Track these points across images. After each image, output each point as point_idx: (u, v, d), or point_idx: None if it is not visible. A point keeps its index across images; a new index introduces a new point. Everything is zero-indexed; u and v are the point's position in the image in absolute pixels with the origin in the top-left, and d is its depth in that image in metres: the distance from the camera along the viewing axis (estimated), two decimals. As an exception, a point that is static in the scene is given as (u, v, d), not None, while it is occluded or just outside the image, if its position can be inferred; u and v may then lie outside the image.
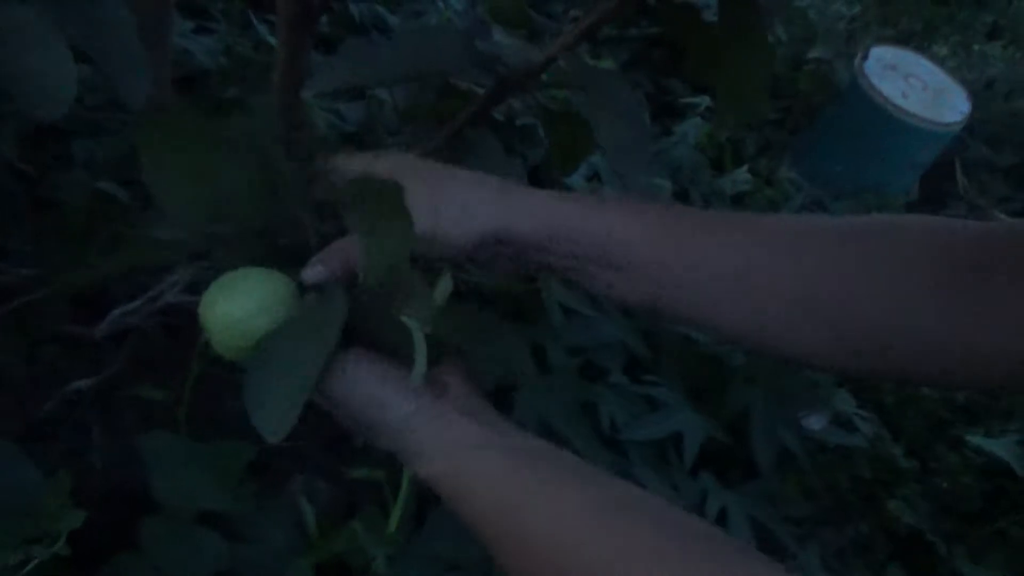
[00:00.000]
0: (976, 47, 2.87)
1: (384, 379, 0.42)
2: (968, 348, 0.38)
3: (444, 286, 0.46)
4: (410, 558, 0.84)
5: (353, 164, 0.49)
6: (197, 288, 1.10)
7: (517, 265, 0.46)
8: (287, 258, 0.47)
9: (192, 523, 0.81)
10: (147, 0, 0.83)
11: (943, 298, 0.39)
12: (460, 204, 0.43)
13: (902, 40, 2.53)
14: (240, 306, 0.42)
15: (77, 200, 1.08)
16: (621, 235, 0.43)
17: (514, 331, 0.49)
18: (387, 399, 0.42)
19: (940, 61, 2.42)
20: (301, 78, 0.77)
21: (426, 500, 0.93)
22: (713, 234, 0.43)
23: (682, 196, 1.69)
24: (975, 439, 1.22)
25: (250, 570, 0.82)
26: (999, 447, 1.20)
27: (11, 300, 0.99)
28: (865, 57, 2.18)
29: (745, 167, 1.80)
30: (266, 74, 1.32)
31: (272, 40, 1.32)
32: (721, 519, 1.08)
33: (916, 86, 2.17)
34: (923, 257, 0.40)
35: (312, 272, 0.45)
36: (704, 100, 1.84)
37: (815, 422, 1.18)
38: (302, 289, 0.46)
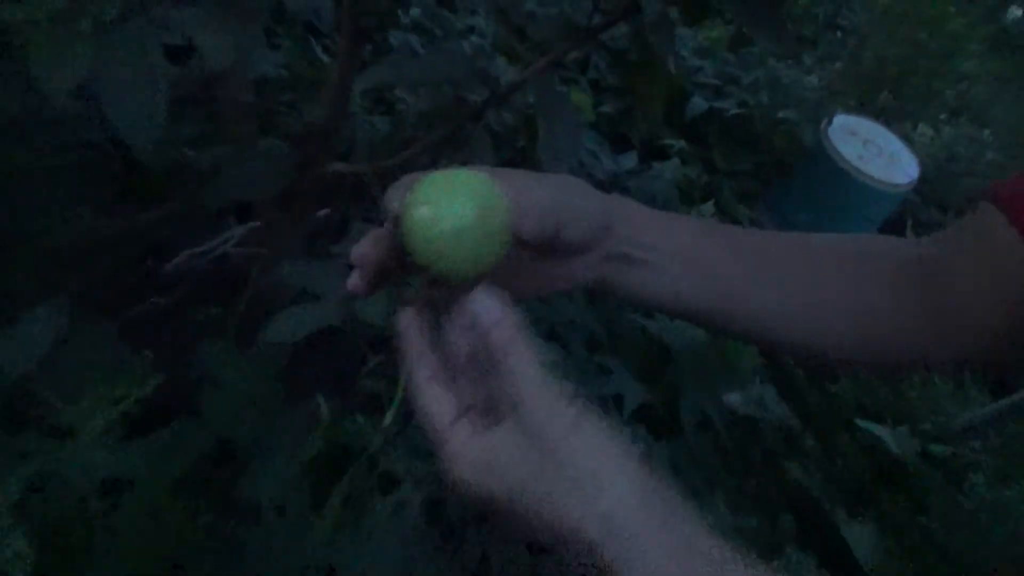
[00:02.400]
0: (941, 120, 3.19)
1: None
2: (938, 337, 0.49)
3: None
4: (399, 446, 1.11)
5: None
6: (246, 243, 1.39)
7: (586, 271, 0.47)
8: None
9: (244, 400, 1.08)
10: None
11: (910, 300, 0.49)
12: (575, 200, 0.44)
13: (870, 111, 2.85)
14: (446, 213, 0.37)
15: (158, 165, 1.37)
16: (656, 235, 0.47)
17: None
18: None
19: (904, 133, 2.72)
20: (351, 80, 1.07)
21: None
22: (735, 249, 0.51)
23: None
24: (866, 424, 1.47)
25: (280, 436, 1.08)
26: (885, 434, 1.46)
27: (104, 241, 1.27)
28: (829, 123, 2.48)
29: (712, 201, 2.09)
30: (316, 87, 1.62)
31: (325, 59, 1.63)
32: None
33: (872, 151, 2.47)
34: (891, 268, 0.51)
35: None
36: (679, 143, 2.13)
37: (734, 399, 1.45)
38: None
